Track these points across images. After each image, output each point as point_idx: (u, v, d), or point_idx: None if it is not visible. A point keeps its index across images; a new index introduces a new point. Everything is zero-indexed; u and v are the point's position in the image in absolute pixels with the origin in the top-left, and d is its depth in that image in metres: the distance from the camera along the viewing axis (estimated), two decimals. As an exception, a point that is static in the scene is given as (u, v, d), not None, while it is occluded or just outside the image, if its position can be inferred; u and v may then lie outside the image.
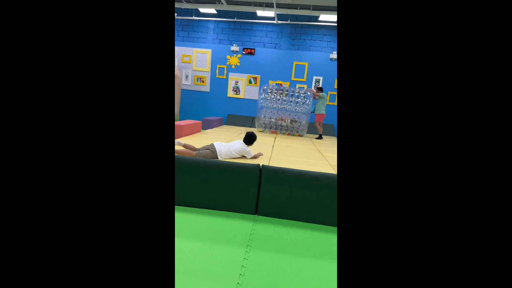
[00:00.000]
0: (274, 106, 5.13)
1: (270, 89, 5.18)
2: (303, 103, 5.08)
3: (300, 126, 5.12)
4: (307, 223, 1.89)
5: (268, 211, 1.93)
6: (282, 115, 5.13)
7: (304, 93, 5.10)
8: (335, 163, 2.76)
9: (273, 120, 5.15)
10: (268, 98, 5.17)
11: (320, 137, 5.26)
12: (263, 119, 5.18)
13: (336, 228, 1.86)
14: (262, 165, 1.93)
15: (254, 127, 5.94)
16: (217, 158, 2.23)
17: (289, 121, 5.09)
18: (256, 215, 1.95)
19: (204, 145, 2.42)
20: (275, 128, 5.17)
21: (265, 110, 5.12)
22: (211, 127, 5.21)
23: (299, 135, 5.11)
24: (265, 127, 5.19)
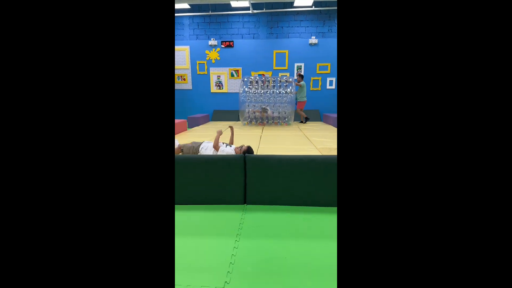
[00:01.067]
0: (258, 98, 4.97)
1: (251, 79, 5.02)
2: (285, 92, 4.93)
3: (286, 115, 5.04)
4: (296, 206, 1.90)
5: (256, 200, 1.93)
6: (265, 107, 5.02)
7: (286, 81, 5.01)
8: (322, 146, 2.78)
9: (257, 113, 5.04)
10: (251, 90, 4.99)
11: (305, 121, 5.45)
12: (247, 113, 5.01)
13: (325, 208, 1.88)
14: (246, 155, 1.92)
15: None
16: (198, 152, 2.30)
17: (261, 112, 4.97)
18: (245, 204, 1.95)
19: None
20: (261, 121, 5.04)
21: (247, 104, 4.93)
22: (197, 125, 5.16)
23: (286, 125, 5.07)
24: (250, 121, 5.05)
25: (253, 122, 5.11)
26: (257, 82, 5.01)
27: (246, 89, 5.02)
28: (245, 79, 5.06)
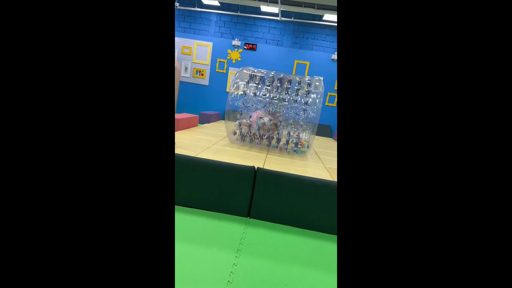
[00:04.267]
0: (257, 104, 2.94)
1: (255, 73, 2.94)
2: (306, 103, 2.79)
3: (302, 139, 2.97)
4: (301, 229, 1.86)
5: (261, 215, 1.90)
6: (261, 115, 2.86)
7: (310, 84, 2.85)
8: (330, 166, 2.74)
9: (245, 127, 2.97)
10: (248, 91, 2.92)
11: None
12: (238, 125, 2.98)
13: (330, 235, 1.83)
14: (257, 167, 1.88)
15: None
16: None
17: (269, 125, 2.83)
18: (249, 217, 1.91)
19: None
20: (258, 141, 2.93)
21: (241, 112, 2.99)
22: (208, 122, 5.15)
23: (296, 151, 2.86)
24: (242, 137, 2.98)
25: (245, 140, 2.99)
26: (262, 79, 2.92)
27: (241, 86, 2.97)
28: (244, 71, 3.02)
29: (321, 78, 3.29)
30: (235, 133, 3.01)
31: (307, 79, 2.93)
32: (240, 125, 3.03)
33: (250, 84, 3.01)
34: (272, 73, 3.04)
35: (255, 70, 3.04)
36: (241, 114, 3.03)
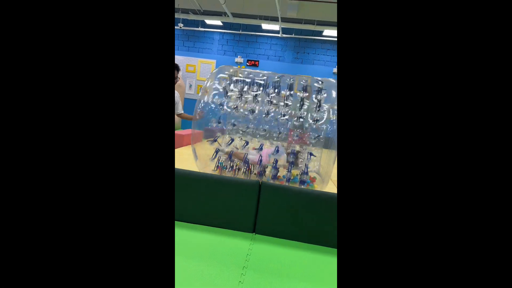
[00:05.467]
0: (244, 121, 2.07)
1: (236, 74, 2.12)
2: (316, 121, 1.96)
3: (313, 171, 2.16)
4: (307, 244, 1.82)
5: (266, 230, 1.87)
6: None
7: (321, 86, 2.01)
8: (336, 178, 2.70)
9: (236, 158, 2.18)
10: (232, 101, 2.07)
11: None
12: (217, 155, 2.19)
13: (336, 249, 1.78)
14: (262, 182, 1.87)
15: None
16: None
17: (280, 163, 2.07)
18: (254, 233, 1.88)
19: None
20: (259, 173, 2.10)
21: (229, 131, 2.22)
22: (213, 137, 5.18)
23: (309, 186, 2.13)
24: (225, 167, 2.21)
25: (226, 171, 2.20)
26: (255, 83, 2.03)
27: (220, 90, 2.09)
28: (226, 73, 2.16)
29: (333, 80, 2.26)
30: (212, 159, 2.14)
31: (319, 83, 1.98)
32: (230, 157, 2.05)
33: (232, 93, 1.96)
34: (277, 76, 2.01)
35: (244, 72, 1.96)
36: (230, 132, 2.08)
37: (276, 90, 2.03)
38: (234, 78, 2.09)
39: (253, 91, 2.03)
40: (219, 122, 2.15)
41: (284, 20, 5.63)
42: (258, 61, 6.39)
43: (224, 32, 6.40)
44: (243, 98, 2.06)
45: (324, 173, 2.14)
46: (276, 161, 1.91)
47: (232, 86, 2.07)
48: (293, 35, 6.17)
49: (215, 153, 2.16)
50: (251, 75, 2.11)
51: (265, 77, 2.09)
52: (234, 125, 2.15)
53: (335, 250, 1.78)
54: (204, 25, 6.36)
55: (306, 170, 2.09)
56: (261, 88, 2.04)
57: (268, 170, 2.13)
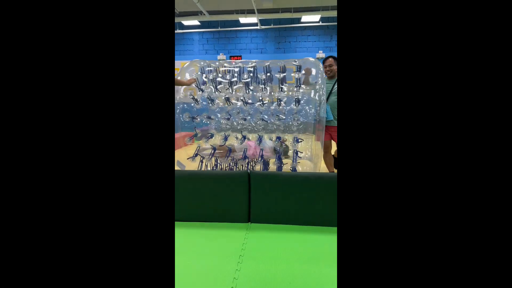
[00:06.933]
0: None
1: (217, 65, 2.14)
2: (298, 102, 1.99)
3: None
4: (302, 226, 1.84)
5: (261, 218, 1.88)
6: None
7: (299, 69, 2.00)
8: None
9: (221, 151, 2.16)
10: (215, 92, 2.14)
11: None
12: (200, 150, 2.20)
13: (330, 228, 1.80)
14: (250, 171, 1.88)
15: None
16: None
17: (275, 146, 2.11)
18: (249, 223, 1.90)
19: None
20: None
21: (214, 126, 2.23)
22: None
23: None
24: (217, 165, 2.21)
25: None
26: (235, 73, 2.05)
27: (204, 81, 2.17)
28: (203, 65, 2.24)
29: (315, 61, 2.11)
30: (193, 158, 2.12)
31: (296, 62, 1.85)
32: (212, 152, 1.91)
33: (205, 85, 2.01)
34: (253, 62, 1.94)
35: (217, 62, 1.89)
36: (199, 133, 1.98)
37: (253, 76, 2.09)
38: (208, 69, 2.20)
39: (228, 79, 2.13)
40: (210, 118, 2.24)
41: (261, 11, 5.60)
42: (240, 56, 6.36)
43: (203, 32, 6.36)
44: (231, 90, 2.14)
45: (315, 157, 2.21)
46: (262, 153, 1.89)
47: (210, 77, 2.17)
48: (272, 26, 6.14)
49: (194, 154, 2.18)
50: (225, 65, 2.17)
51: (238, 66, 2.15)
52: (227, 119, 2.23)
53: (330, 228, 1.80)
54: (182, 26, 6.30)
55: (295, 157, 2.10)
56: (237, 76, 2.12)
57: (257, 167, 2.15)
